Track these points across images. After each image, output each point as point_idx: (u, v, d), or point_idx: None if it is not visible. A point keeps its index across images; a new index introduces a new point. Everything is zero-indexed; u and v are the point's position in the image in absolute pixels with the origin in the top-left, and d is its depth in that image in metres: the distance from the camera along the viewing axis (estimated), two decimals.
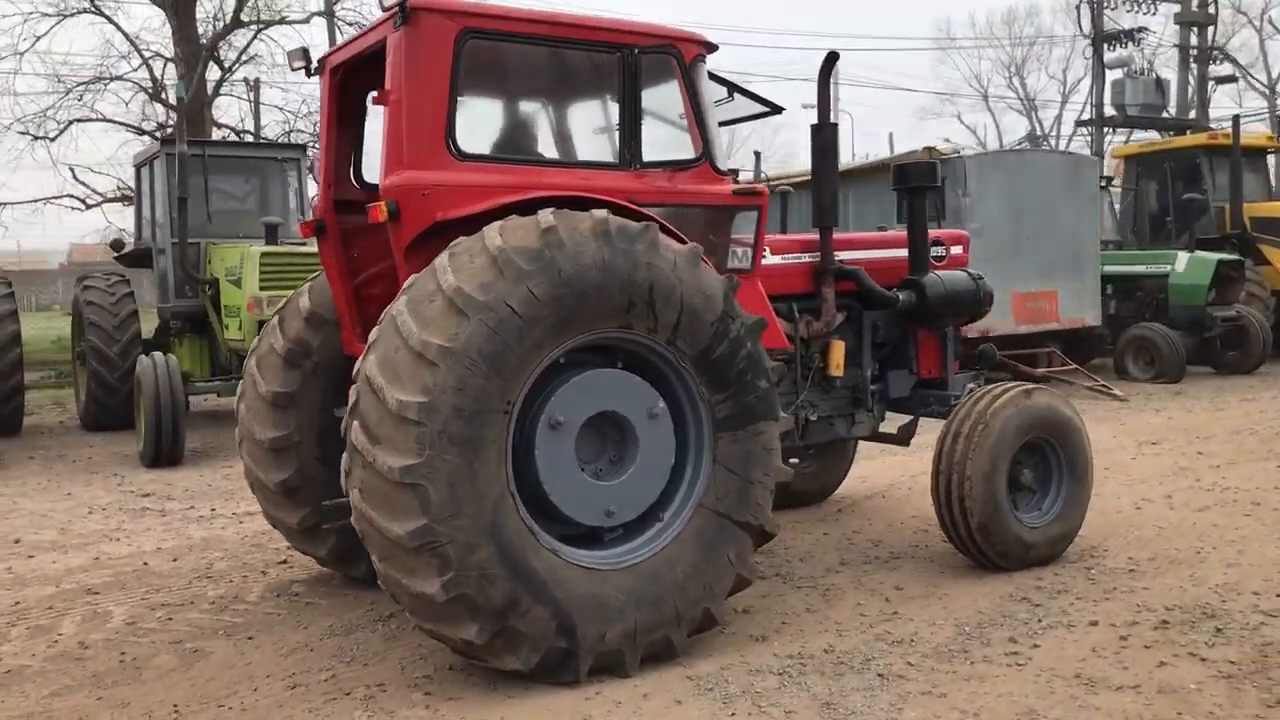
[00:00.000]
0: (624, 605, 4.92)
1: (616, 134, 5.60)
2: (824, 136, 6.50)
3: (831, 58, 6.49)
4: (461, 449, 4.55)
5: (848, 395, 6.97)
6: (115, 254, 14.33)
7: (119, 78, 20.68)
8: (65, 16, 20.30)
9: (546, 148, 5.90)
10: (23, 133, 19.76)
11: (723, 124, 7.04)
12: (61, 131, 20.16)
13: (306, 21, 23.66)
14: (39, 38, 21.21)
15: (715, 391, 5.18)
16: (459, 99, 5.19)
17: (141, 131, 21.18)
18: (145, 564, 7.10)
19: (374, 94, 5.32)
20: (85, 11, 20.52)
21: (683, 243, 5.19)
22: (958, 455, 6.30)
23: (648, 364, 5.16)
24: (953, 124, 72.00)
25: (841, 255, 6.82)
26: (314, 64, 6.05)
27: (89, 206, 21.27)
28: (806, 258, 6.69)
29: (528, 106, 6.10)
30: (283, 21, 23.23)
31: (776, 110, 7.00)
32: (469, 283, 4.62)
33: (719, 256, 5.92)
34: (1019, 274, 14.26)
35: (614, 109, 5.66)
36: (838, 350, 6.78)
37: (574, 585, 4.83)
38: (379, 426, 4.54)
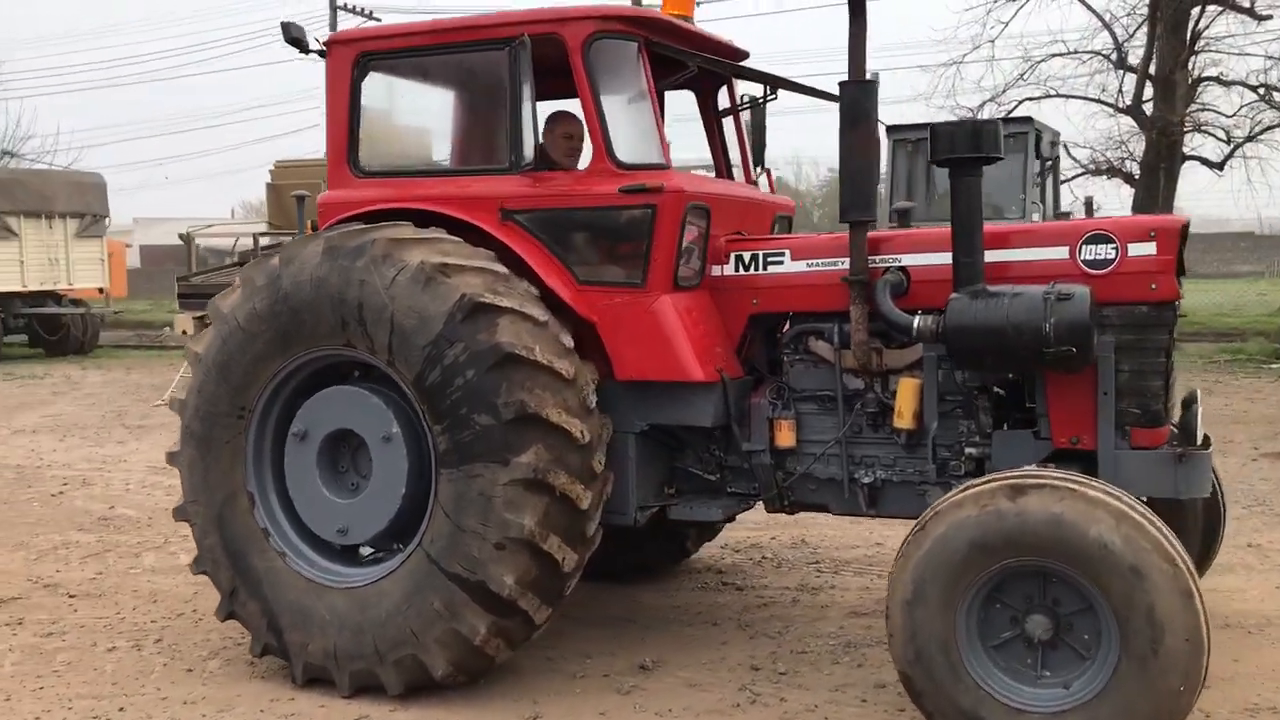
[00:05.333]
0: (328, 624, 4.90)
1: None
2: (853, 97, 4.74)
3: None
4: (198, 444, 5.16)
5: (939, 456, 4.90)
6: None
7: (1076, 53, 20.10)
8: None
9: (444, 156, 5.61)
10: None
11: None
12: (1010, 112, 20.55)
13: None
14: (1005, 24, 21.46)
15: (435, 422, 4.68)
16: (366, 119, 5.48)
17: (1104, 104, 20.34)
18: None
19: None
20: None
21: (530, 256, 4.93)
22: (892, 570, 4.22)
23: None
24: None
25: (912, 260, 4.85)
26: None
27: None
28: (844, 264, 4.94)
29: (431, 117, 5.78)
30: None
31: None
32: (226, 299, 5.14)
33: (621, 267, 5.01)
34: None
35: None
36: (905, 393, 4.86)
37: (287, 591, 5.00)
38: None
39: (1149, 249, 4.50)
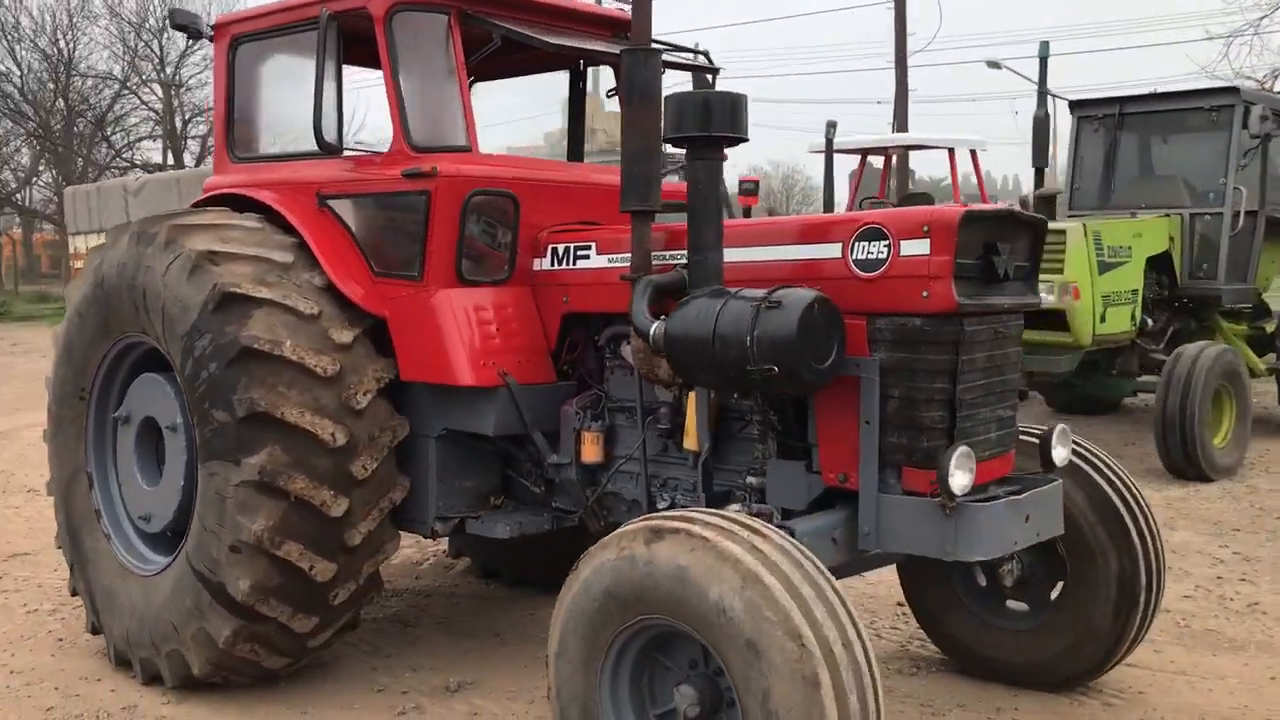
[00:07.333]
0: (125, 610, 4.91)
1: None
2: (629, 67, 4.11)
3: None
4: (55, 423, 5.34)
5: (730, 483, 4.20)
6: None
7: None
8: None
9: (295, 141, 5.32)
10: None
11: None
12: None
13: None
14: None
15: (192, 414, 4.56)
16: (239, 103, 5.44)
17: None
18: None
19: None
20: None
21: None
22: None
23: None
24: None
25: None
26: None
27: None
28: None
29: (290, 100, 5.44)
30: None
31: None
32: (78, 282, 5.25)
33: (404, 258, 4.66)
34: None
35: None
36: (689, 409, 4.23)
37: (104, 573, 5.07)
38: None
39: (921, 247, 3.61)
